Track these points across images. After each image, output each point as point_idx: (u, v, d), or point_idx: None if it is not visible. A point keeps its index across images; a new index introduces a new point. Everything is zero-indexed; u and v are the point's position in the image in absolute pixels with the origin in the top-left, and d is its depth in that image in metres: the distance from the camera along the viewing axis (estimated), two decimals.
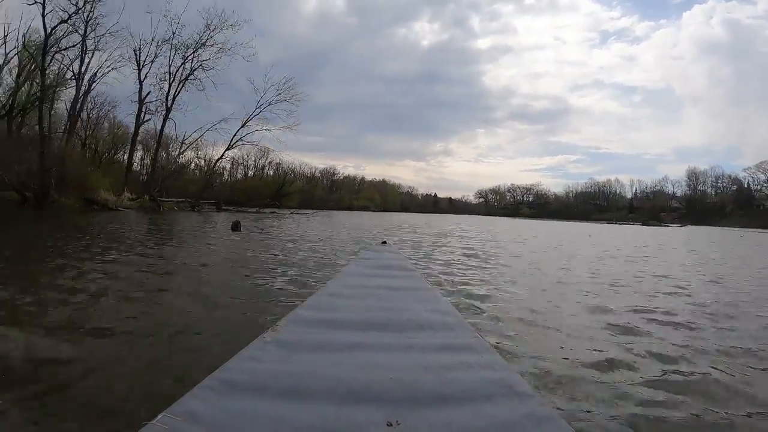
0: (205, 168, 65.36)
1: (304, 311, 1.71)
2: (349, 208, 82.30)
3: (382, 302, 1.91)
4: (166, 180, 34.92)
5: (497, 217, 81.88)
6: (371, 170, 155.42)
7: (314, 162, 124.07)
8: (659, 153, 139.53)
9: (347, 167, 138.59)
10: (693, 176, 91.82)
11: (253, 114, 37.48)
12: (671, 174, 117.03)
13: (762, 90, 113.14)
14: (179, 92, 33.91)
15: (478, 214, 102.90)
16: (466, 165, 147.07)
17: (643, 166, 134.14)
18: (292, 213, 37.84)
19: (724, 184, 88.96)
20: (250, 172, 77.66)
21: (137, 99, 32.43)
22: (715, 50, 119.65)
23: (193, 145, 38.25)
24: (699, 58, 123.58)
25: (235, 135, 36.95)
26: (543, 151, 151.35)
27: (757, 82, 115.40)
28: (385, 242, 3.43)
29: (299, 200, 73.68)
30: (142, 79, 32.26)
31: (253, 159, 75.02)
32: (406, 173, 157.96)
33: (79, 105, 29.88)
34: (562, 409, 2.08)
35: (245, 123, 36.99)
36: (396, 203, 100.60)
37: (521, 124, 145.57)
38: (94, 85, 30.54)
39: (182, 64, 33.54)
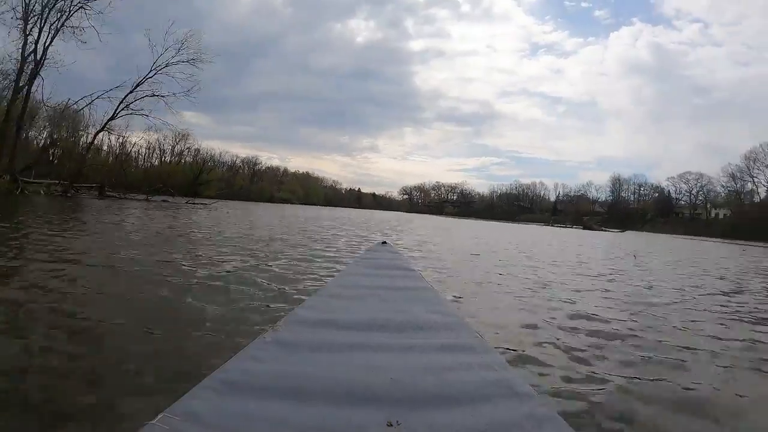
0: (115, 148, 62.70)
1: (304, 311, 1.71)
2: (270, 200, 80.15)
3: (382, 302, 1.91)
4: (39, 157, 30.68)
5: (420, 215, 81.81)
6: (297, 162, 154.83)
7: (240, 152, 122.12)
8: (581, 161, 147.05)
9: (272, 158, 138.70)
10: (617, 182, 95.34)
11: (146, 76, 31.60)
12: (594, 180, 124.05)
13: (681, 110, 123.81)
14: (52, 41, 28.12)
15: (402, 211, 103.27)
16: (393, 162, 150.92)
17: (564, 172, 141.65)
18: (187, 203, 32.21)
19: (646, 192, 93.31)
20: (167, 158, 74.16)
21: (19, 56, 27.40)
22: (639, 70, 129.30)
23: (80, 116, 33.13)
24: (623, 77, 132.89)
25: (121, 102, 31.23)
26: (469, 153, 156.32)
27: (677, 103, 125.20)
28: (385, 242, 3.46)
29: (218, 189, 70.06)
30: (27, 30, 27.17)
31: (170, 144, 72.28)
32: (332, 167, 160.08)
33: None
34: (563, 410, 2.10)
35: (135, 87, 31.40)
36: (319, 196, 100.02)
37: (449, 125, 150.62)
38: None
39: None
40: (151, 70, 31.91)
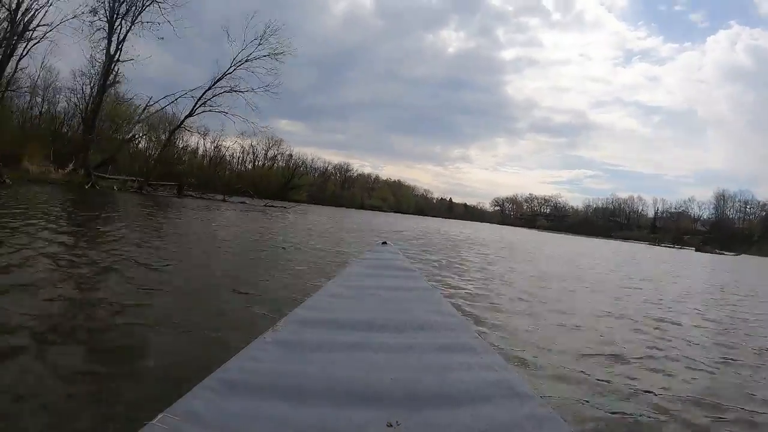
0: (211, 149, 63.37)
1: (305, 311, 1.66)
2: (362, 207, 77.83)
3: (382, 302, 1.88)
4: (115, 153, 28.96)
5: (512, 227, 78.89)
6: (389, 171, 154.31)
7: (332, 158, 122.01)
8: (679, 175, 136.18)
9: (365, 166, 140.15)
10: (721, 199, 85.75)
11: (225, 72, 29.09)
12: (696, 196, 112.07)
13: None
14: (126, 36, 26.90)
15: (493, 223, 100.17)
16: (484, 172, 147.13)
17: (661, 186, 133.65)
18: (266, 205, 29.61)
19: (753, 210, 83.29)
20: (260, 163, 72.93)
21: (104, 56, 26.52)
22: (739, 76, 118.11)
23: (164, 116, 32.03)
24: (723, 83, 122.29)
25: (199, 99, 28.90)
26: (562, 164, 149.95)
27: None
28: (385, 242, 3.31)
29: (308, 194, 70.08)
30: (113, 28, 26.26)
31: (263, 148, 71.57)
32: (423, 176, 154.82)
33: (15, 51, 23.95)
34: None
35: (214, 83, 28.91)
36: (410, 205, 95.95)
37: (542, 136, 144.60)
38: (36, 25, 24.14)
39: None
40: (231, 66, 29.36)
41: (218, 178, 59.11)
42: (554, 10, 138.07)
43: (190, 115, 29.84)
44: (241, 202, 29.68)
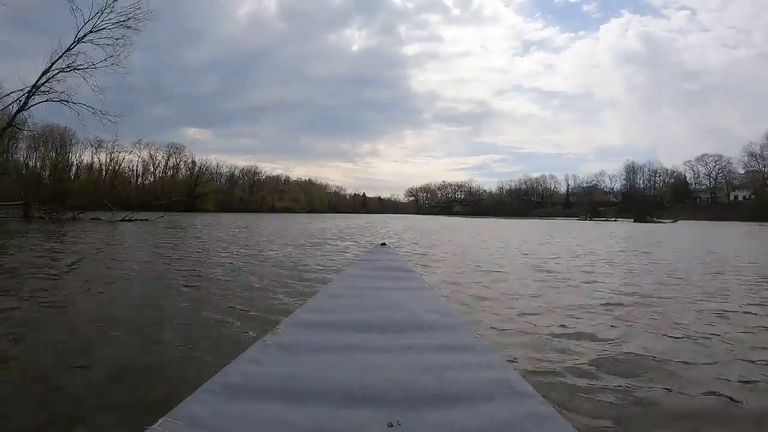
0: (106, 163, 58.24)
1: (304, 314, 1.66)
2: (272, 210, 77.40)
3: (381, 303, 1.83)
4: None
5: (431, 216, 77.55)
6: (300, 172, 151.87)
7: (242, 163, 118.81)
8: (580, 152, 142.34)
9: (276, 169, 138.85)
10: (631, 170, 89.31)
11: (67, 49, 22.71)
12: (607, 170, 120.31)
13: (674, 96, 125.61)
14: None
15: (409, 213, 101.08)
16: (394, 165, 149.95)
17: (564, 165, 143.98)
18: (124, 219, 24.09)
19: (661, 178, 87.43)
20: (160, 173, 71.31)
21: None
22: (630, 60, 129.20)
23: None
24: (616, 67, 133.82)
25: (33, 87, 22.55)
26: (469, 151, 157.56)
27: (670, 89, 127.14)
28: (384, 244, 3.36)
29: (215, 202, 69.19)
30: None
31: (163, 158, 69.87)
32: (335, 174, 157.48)
33: None
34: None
35: (52, 65, 22.71)
36: (323, 204, 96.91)
37: (448, 125, 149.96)
38: None
39: None
40: (74, 42, 23.03)
41: (116, 194, 57.37)
42: (453, 6, 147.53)
43: (23, 108, 23.32)
44: (94, 219, 23.58)
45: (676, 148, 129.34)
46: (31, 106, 23.48)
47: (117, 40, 23.51)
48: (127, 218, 24.43)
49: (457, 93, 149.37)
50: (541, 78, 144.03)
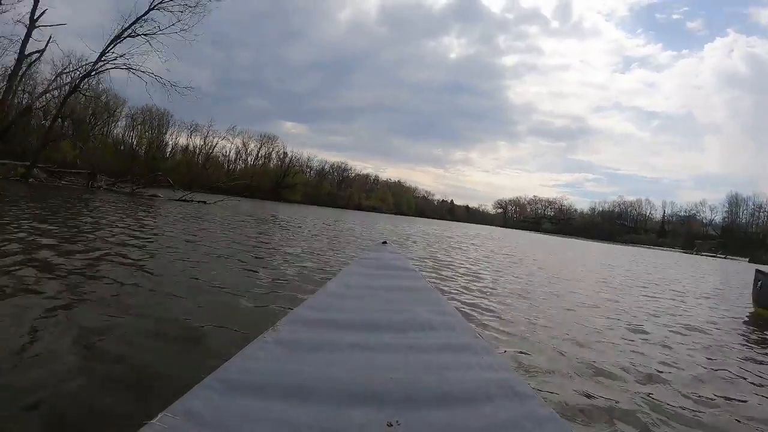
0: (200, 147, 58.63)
1: (305, 311, 1.63)
2: (359, 207, 74.04)
3: (382, 302, 1.84)
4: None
5: (520, 231, 75.27)
6: (391, 173, 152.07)
7: (334, 160, 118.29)
8: (677, 179, 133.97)
9: (367, 168, 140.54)
10: (734, 202, 79.74)
11: (139, 18, 21.59)
12: (708, 199, 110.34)
13: None
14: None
15: (496, 225, 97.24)
16: (485, 175, 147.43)
17: (660, 189, 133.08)
18: (182, 198, 22.08)
19: (765, 214, 77.64)
20: (252, 162, 69.44)
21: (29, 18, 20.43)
22: (735, 82, 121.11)
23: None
24: (720, 89, 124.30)
25: (102, 54, 21.42)
26: (562, 168, 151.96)
27: None
28: (385, 242, 3.18)
29: (303, 194, 66.72)
30: None
31: (255, 146, 68.12)
32: (425, 179, 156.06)
33: None
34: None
35: (123, 32, 21.47)
36: (411, 206, 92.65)
37: (542, 139, 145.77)
38: None
39: None
40: (148, 9, 21.68)
41: (207, 177, 56.94)
42: (552, 19, 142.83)
43: (88, 75, 22.32)
44: (153, 195, 21.68)
45: None
46: (97, 71, 22.46)
47: (192, 8, 22.17)
48: (184, 198, 22.32)
49: (554, 107, 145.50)
50: (641, 97, 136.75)
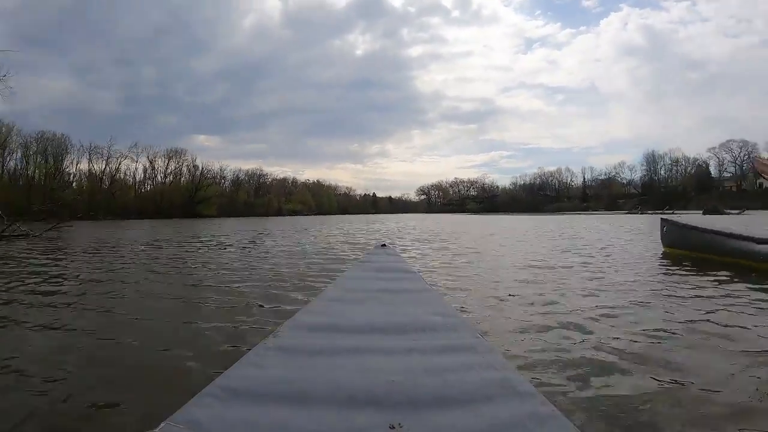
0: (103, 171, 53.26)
1: (305, 316, 1.65)
2: (279, 213, 74.17)
3: (382, 305, 1.84)
4: None
5: (444, 215, 72.87)
6: (310, 175, 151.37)
7: (244, 166, 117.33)
8: (587, 146, 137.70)
9: (285, 173, 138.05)
10: (651, 159, 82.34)
11: None
12: (626, 161, 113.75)
13: (679, 87, 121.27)
14: None
15: (420, 212, 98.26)
16: (403, 165, 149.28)
17: (572, 159, 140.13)
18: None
19: (682, 167, 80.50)
20: (160, 179, 68.44)
21: None
22: (632, 52, 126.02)
23: None
24: (619, 60, 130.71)
25: None
26: (477, 149, 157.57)
27: (674, 80, 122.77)
28: (384, 245, 3.20)
29: (218, 207, 66.26)
30: None
31: (164, 162, 67.31)
32: (344, 176, 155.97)
33: None
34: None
35: None
36: (332, 205, 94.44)
37: (453, 124, 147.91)
38: None
39: None
40: None
41: (113, 202, 55.44)
42: (453, 8, 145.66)
43: None
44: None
45: (684, 138, 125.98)
46: None
47: None
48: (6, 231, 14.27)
49: (461, 92, 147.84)
50: (545, 74, 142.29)
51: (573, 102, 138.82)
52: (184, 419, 0.92)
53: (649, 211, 52.99)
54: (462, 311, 3.46)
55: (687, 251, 7.08)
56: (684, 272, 5.61)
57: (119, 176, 63.59)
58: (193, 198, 63.84)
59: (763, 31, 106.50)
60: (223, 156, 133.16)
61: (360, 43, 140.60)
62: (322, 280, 5.20)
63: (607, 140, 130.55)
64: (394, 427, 0.94)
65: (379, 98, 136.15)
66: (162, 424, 0.88)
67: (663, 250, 7.95)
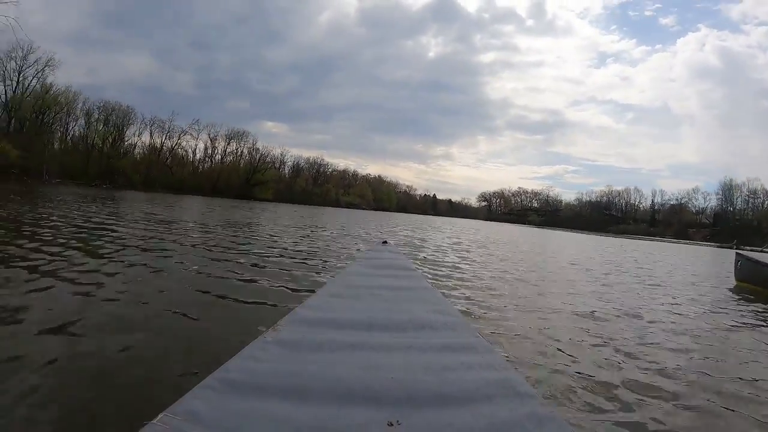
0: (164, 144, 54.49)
1: (305, 311, 1.60)
2: (337, 204, 70.59)
3: (382, 302, 1.81)
4: None
5: (505, 224, 71.42)
6: (372, 169, 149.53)
7: (305, 153, 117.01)
8: (654, 168, 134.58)
9: (348, 165, 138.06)
10: (728, 188, 73.89)
11: None
12: (701, 187, 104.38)
13: (753, 114, 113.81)
14: None
15: (480, 219, 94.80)
16: (466, 169, 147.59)
17: (638, 179, 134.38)
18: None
19: (760, 200, 71.56)
20: (219, 158, 65.98)
21: None
22: (707, 75, 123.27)
23: None
24: (692, 82, 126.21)
25: None
26: (542, 161, 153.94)
27: (748, 107, 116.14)
28: (386, 242, 3.19)
29: (275, 191, 63.19)
30: None
31: (225, 141, 64.84)
32: (407, 174, 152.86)
33: None
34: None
35: None
36: (392, 202, 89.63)
37: (520, 133, 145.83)
38: None
39: None
40: None
41: (171, 175, 54.38)
42: (527, 17, 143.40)
43: None
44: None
45: (751, 168, 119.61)
46: None
47: None
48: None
49: (531, 101, 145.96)
50: (617, 90, 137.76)
51: (643, 121, 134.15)
52: (182, 410, 0.91)
53: (746, 247, 42.00)
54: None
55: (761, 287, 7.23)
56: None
57: (179, 151, 61.97)
58: (249, 180, 61.38)
59: None
60: (290, 143, 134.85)
61: (432, 45, 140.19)
62: None
63: (674, 163, 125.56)
64: (392, 424, 0.93)
65: (448, 101, 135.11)
66: (160, 415, 0.87)
67: (735, 283, 8.46)
